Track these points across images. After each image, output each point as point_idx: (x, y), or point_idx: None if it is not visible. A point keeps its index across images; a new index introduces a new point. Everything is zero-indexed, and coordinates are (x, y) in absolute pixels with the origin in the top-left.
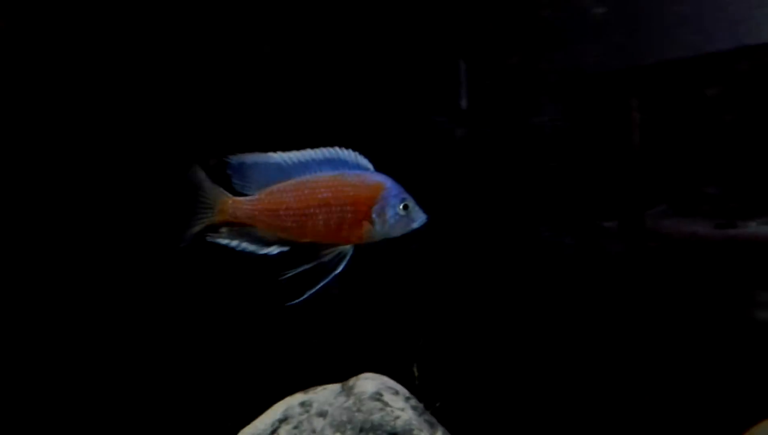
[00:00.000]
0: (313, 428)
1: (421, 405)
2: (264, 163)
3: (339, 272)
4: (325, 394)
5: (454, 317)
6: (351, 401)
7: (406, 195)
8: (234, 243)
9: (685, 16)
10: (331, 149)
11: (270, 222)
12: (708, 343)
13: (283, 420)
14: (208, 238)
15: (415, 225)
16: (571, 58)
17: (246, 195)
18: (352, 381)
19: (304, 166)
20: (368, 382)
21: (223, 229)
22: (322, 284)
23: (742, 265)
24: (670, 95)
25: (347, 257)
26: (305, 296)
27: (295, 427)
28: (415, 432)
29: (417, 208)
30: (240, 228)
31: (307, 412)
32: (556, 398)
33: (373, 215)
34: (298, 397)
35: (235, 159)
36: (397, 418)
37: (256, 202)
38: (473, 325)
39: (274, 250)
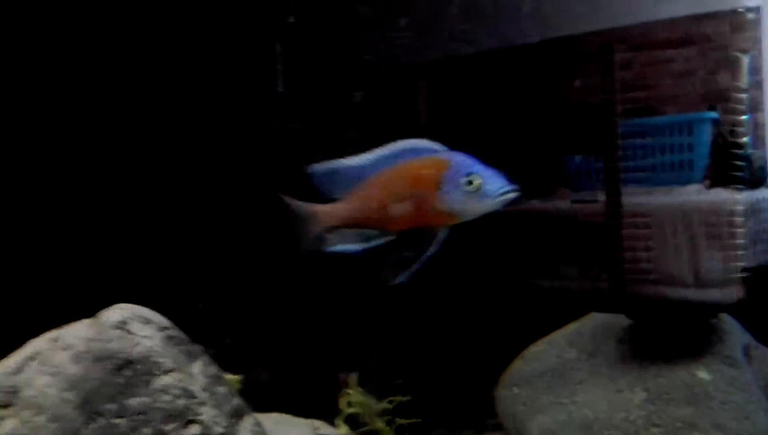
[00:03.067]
0: (56, 362)
1: (183, 336)
2: (343, 167)
3: (431, 255)
4: (75, 328)
5: None
6: (94, 331)
7: (475, 170)
8: (339, 247)
9: None
10: (402, 141)
11: (362, 220)
12: None
13: (32, 357)
14: (324, 249)
15: (490, 202)
16: None
17: (334, 200)
18: (101, 312)
19: (383, 161)
20: (115, 311)
21: (329, 236)
22: (415, 268)
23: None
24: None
25: (436, 240)
26: (400, 280)
27: (42, 363)
28: (153, 358)
29: (491, 184)
30: (340, 232)
31: (55, 346)
32: None
33: (439, 194)
34: (50, 334)
35: (315, 169)
36: (137, 344)
37: (345, 206)
38: None
39: (376, 243)
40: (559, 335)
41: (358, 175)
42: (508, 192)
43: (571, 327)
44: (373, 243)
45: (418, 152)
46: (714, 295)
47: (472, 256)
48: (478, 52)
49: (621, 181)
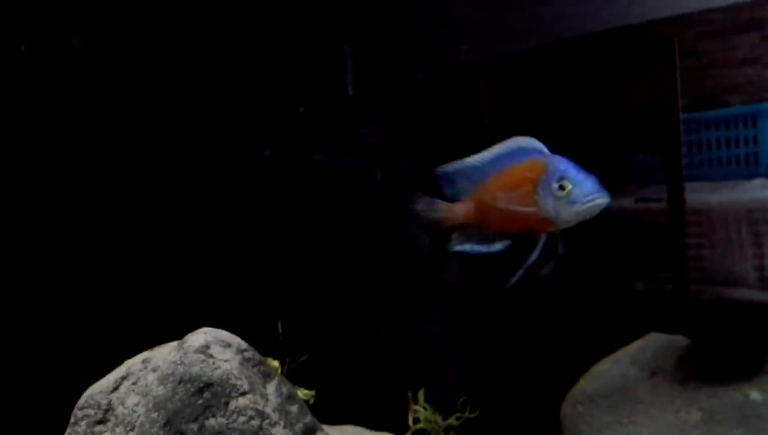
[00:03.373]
0: (147, 383)
1: (258, 358)
2: (464, 167)
3: (534, 260)
4: (163, 351)
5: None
6: (179, 355)
7: (568, 174)
8: (466, 247)
9: None
10: (510, 140)
11: (478, 222)
12: None
13: (125, 377)
14: (449, 248)
15: (579, 208)
16: None
17: (458, 201)
18: (187, 336)
19: (496, 162)
20: (198, 336)
21: (454, 236)
22: (518, 275)
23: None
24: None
25: (539, 244)
26: (510, 284)
27: (134, 383)
28: (231, 381)
29: (581, 189)
30: (465, 232)
31: (146, 368)
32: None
33: (535, 198)
34: (143, 355)
35: (440, 170)
36: (216, 368)
37: (467, 205)
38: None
39: (498, 246)
40: (624, 353)
41: (480, 175)
42: (596, 198)
43: (636, 344)
44: (494, 247)
45: (528, 152)
46: None
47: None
48: (538, 46)
49: (683, 177)
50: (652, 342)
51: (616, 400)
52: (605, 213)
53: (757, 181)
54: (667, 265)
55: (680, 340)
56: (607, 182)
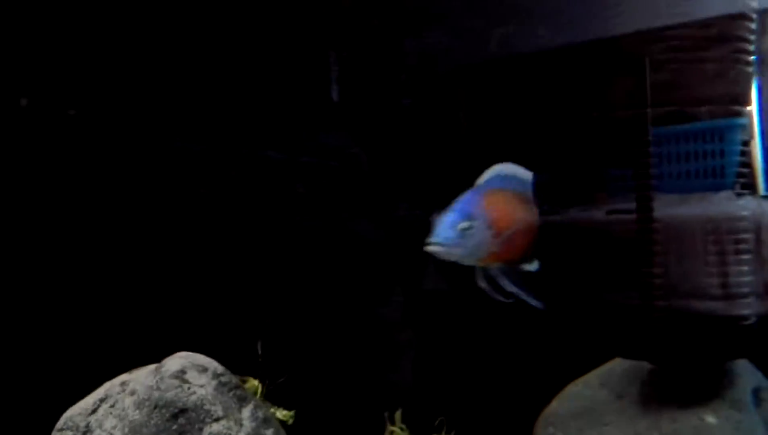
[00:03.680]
0: (124, 406)
1: (234, 382)
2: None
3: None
4: (141, 374)
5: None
6: (156, 379)
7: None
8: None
9: None
10: (494, 167)
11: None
12: None
13: (104, 399)
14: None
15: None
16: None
17: None
18: (165, 360)
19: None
20: (175, 361)
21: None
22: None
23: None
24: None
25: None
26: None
27: (112, 406)
28: (205, 407)
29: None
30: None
31: (124, 391)
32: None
33: None
34: (121, 378)
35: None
36: (192, 394)
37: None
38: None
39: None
40: (593, 375)
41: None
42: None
43: (605, 367)
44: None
45: (507, 180)
46: (741, 307)
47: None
48: (513, 55)
49: (651, 188)
50: (619, 366)
51: (586, 422)
52: (580, 225)
53: (723, 194)
54: (635, 278)
55: (645, 365)
56: (582, 193)
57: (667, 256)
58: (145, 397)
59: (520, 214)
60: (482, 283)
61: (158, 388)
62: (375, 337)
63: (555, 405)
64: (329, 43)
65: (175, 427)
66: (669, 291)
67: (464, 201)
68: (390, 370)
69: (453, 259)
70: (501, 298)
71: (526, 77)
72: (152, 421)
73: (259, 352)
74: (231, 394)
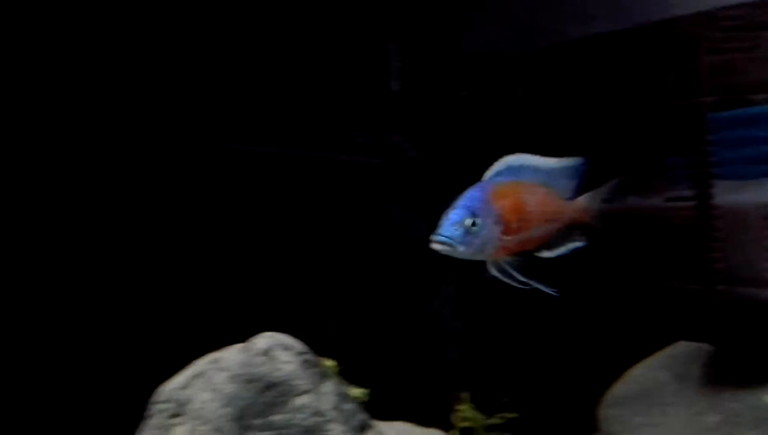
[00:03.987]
0: (216, 381)
1: (316, 359)
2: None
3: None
4: (231, 352)
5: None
6: (245, 356)
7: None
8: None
9: None
10: (506, 158)
11: None
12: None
13: (197, 374)
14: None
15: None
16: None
17: None
18: (252, 339)
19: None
20: (262, 340)
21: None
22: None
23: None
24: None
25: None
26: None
27: (205, 381)
28: (292, 381)
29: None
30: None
31: (215, 367)
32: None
33: None
34: (212, 355)
35: None
36: (279, 369)
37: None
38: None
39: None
40: (654, 359)
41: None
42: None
43: (666, 351)
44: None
45: (519, 171)
46: None
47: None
48: (564, 43)
49: (710, 175)
50: (680, 349)
51: (647, 403)
52: (638, 212)
53: None
54: (696, 265)
55: (706, 348)
56: (640, 180)
57: (726, 241)
58: (238, 372)
59: (534, 206)
60: (493, 273)
61: (249, 364)
62: (441, 322)
63: (618, 387)
64: (388, 34)
65: (265, 399)
66: (728, 276)
67: (469, 196)
68: (457, 353)
69: (460, 257)
70: (516, 285)
71: (581, 64)
72: (245, 394)
73: (334, 334)
74: (313, 370)
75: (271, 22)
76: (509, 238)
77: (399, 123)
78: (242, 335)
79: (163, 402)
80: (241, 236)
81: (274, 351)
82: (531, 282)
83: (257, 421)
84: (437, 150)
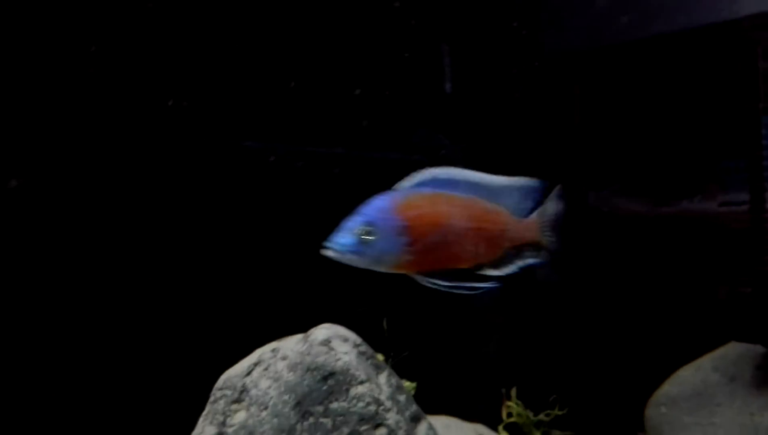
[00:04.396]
0: (276, 369)
1: (371, 351)
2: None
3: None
4: (290, 342)
5: None
6: (305, 346)
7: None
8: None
9: None
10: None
11: None
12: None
13: (257, 363)
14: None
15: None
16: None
17: None
18: (311, 331)
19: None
20: (321, 331)
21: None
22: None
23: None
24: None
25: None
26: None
27: (265, 369)
28: (351, 371)
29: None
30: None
31: (275, 356)
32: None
33: None
34: (272, 345)
35: None
36: (338, 359)
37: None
38: None
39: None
40: (705, 359)
41: None
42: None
43: (717, 352)
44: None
45: (445, 184)
46: None
47: (625, 268)
48: (622, 44)
49: (765, 180)
50: (732, 350)
51: (697, 403)
52: (689, 216)
53: None
54: (749, 269)
55: (759, 349)
56: (694, 182)
57: None
58: (298, 361)
59: (461, 221)
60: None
61: (309, 354)
62: (490, 320)
63: (667, 387)
64: (442, 35)
65: (325, 387)
66: None
67: (371, 205)
68: (507, 350)
69: (354, 265)
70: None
71: (636, 66)
72: (305, 382)
73: (385, 328)
74: (369, 362)
75: (328, 26)
76: (416, 250)
77: (451, 124)
78: (298, 327)
79: (225, 389)
80: (303, 234)
81: (333, 341)
82: (456, 287)
83: (317, 408)
84: (484, 149)
